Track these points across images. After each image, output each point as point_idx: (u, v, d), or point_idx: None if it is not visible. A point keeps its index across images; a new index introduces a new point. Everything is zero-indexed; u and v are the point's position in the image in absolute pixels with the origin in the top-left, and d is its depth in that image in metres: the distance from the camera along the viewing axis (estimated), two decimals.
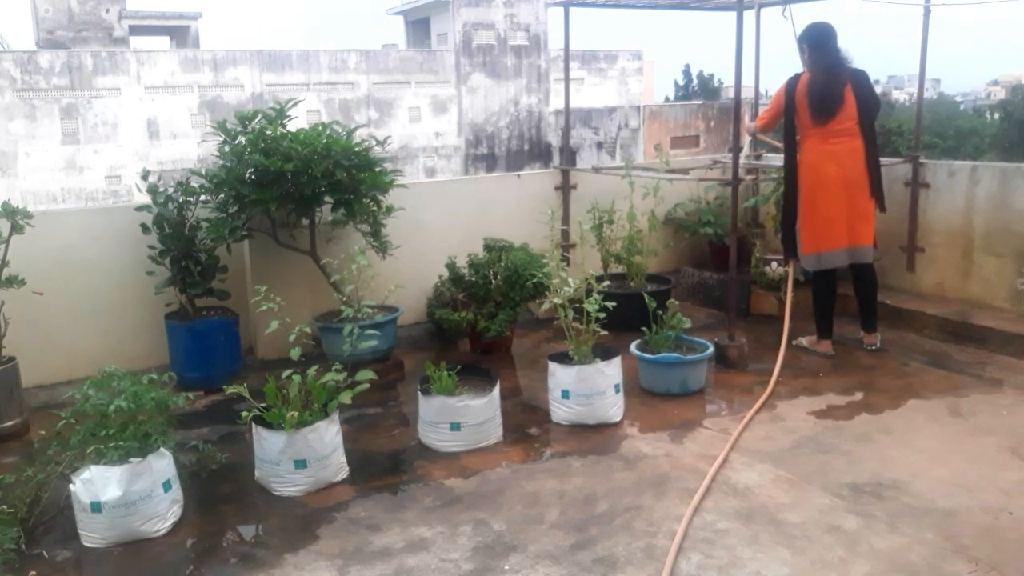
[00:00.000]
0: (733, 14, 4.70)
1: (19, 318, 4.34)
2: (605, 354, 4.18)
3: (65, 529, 3.24)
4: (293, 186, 4.52)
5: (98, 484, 3.11)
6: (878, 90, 5.51)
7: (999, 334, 5.06)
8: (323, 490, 3.52)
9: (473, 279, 5.25)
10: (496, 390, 3.98)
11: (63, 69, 21.77)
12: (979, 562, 2.86)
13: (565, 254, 5.61)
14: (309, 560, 3.02)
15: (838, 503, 3.28)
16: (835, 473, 3.54)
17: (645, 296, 4.69)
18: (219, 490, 3.60)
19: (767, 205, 6.36)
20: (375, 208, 4.88)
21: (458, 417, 3.84)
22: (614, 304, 4.25)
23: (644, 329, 4.64)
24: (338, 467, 3.62)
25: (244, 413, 3.56)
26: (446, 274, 5.44)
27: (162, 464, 3.26)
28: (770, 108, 5.30)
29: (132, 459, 3.17)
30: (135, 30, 27.54)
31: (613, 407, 4.14)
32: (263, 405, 3.56)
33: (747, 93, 6.76)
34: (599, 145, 27.81)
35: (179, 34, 29.70)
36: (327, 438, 3.54)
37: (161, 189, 4.69)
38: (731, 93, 5.54)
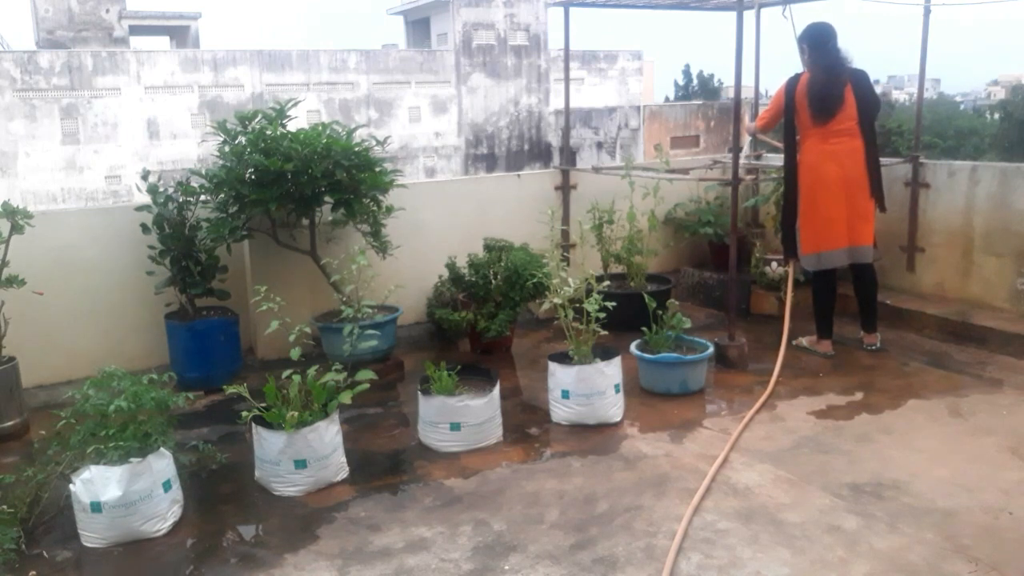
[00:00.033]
0: (733, 14, 4.70)
1: (19, 318, 4.34)
2: (605, 354, 4.18)
3: (65, 529, 3.24)
4: (293, 186, 4.52)
5: (98, 484, 3.11)
6: (878, 90, 5.51)
7: (999, 334, 5.06)
8: (323, 490, 3.52)
9: (473, 279, 5.25)
10: (496, 390, 3.99)
11: (63, 69, 21.77)
12: (979, 562, 2.86)
13: (565, 254, 5.61)
14: (309, 560, 3.02)
15: (838, 503, 3.28)
16: (835, 473, 3.54)
17: (645, 296, 4.69)
18: (219, 490, 3.60)
19: (767, 205, 6.36)
20: (375, 208, 4.88)
21: (458, 417, 3.84)
22: (614, 304, 4.25)
23: (644, 329, 4.64)
24: (338, 467, 3.62)
25: (244, 413, 3.56)
26: (446, 274, 5.44)
27: (162, 464, 3.26)
28: (770, 108, 5.30)
29: (132, 459, 3.17)
30: (135, 30, 27.54)
31: (613, 407, 4.14)
32: (263, 405, 3.56)
33: (747, 93, 6.76)
34: (599, 145, 27.82)
35: (179, 34, 29.70)
36: (327, 438, 3.54)
37: (161, 189, 4.69)
38: (731, 93, 5.54)
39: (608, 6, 6.49)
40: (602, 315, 4.14)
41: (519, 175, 6.47)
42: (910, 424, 4.05)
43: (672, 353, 4.51)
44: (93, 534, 3.14)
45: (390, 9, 34.45)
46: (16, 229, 4.16)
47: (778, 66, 5.93)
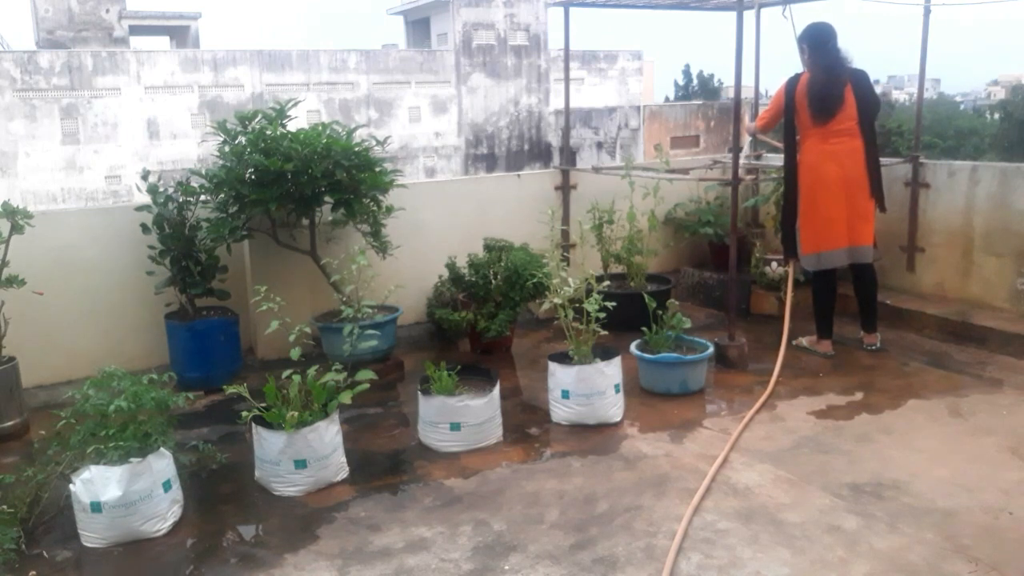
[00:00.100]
0: (733, 14, 4.70)
1: (19, 318, 4.34)
2: (605, 354, 4.18)
3: (65, 529, 3.24)
4: (293, 186, 4.52)
5: (98, 484, 3.11)
6: (878, 90, 5.51)
7: (999, 334, 5.06)
8: (323, 490, 3.52)
9: (473, 279, 5.25)
10: (496, 390, 3.99)
11: (63, 69, 21.77)
12: (979, 562, 2.86)
13: (565, 254, 5.61)
14: (309, 560, 3.02)
15: (838, 503, 3.28)
16: (835, 473, 3.54)
17: (645, 296, 4.69)
18: (219, 490, 3.60)
19: (767, 205, 6.36)
20: (375, 208, 4.88)
21: (458, 417, 3.84)
22: (614, 304, 4.25)
23: (644, 329, 4.64)
24: (338, 467, 3.62)
25: (244, 413, 3.56)
26: (446, 274, 5.44)
27: (162, 464, 3.26)
28: (770, 108, 5.30)
29: (132, 459, 3.17)
30: (135, 30, 27.54)
31: (613, 407, 4.14)
32: (263, 405, 3.56)
33: (747, 93, 6.76)
34: (599, 145, 27.82)
35: (179, 34, 29.70)
36: (327, 438, 3.54)
37: (161, 189, 4.69)
38: (731, 93, 5.54)
39: (608, 6, 6.49)
40: (602, 315, 4.14)
41: (519, 175, 6.47)
42: (910, 424, 4.05)
43: (672, 353, 4.51)
44: (93, 534, 3.14)
45: (390, 9, 34.46)
46: (16, 229, 4.16)
47: (778, 66, 5.93)
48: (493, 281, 5.16)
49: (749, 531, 3.10)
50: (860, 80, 4.90)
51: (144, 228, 4.69)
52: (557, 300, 4.23)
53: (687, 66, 56.39)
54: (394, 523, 3.25)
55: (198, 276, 4.69)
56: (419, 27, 33.46)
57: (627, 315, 4.82)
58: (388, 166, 4.89)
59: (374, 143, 4.80)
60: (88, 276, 4.79)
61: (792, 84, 4.97)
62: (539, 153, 27.33)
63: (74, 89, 21.96)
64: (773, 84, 12.05)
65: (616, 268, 5.88)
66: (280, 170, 4.41)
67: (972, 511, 3.20)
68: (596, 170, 6.39)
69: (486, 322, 5.08)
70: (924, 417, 4.13)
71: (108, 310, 4.85)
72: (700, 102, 34.55)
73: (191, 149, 22.84)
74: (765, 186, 6.46)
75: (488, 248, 5.32)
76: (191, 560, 3.07)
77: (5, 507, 3.14)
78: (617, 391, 4.16)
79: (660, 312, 4.63)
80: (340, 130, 4.81)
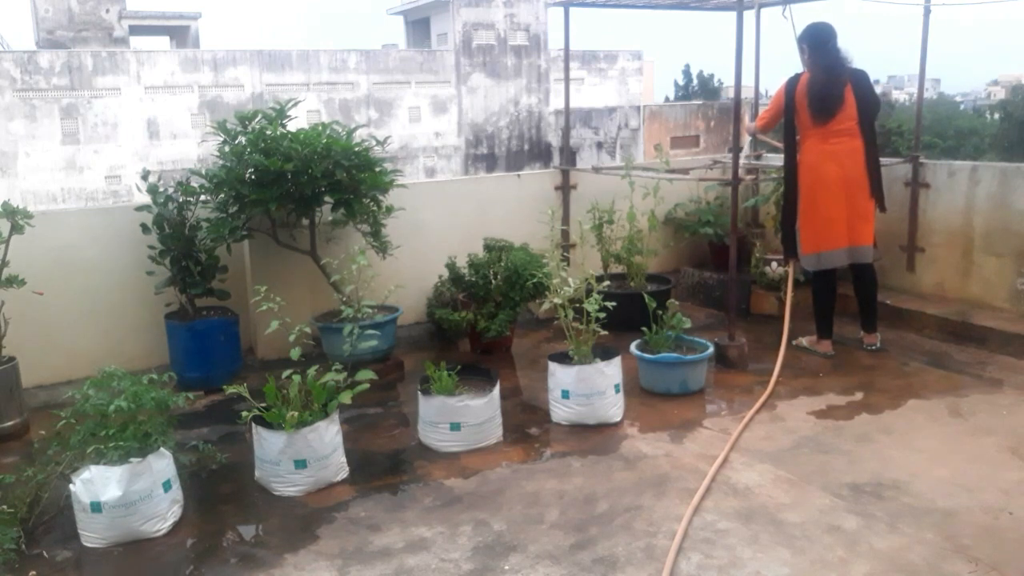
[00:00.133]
0: (733, 14, 4.70)
1: (19, 318, 4.34)
2: (605, 354, 4.18)
3: (65, 529, 3.24)
4: (293, 186, 4.52)
5: (98, 484, 3.11)
6: (878, 90, 5.51)
7: (999, 334, 5.06)
8: (323, 490, 3.52)
9: (473, 279, 5.25)
10: (496, 390, 3.98)
11: (63, 69, 21.77)
12: (979, 562, 2.86)
13: (565, 254, 5.61)
14: (309, 560, 3.02)
15: (838, 503, 3.28)
16: (835, 473, 3.54)
17: (645, 296, 4.69)
18: (219, 490, 3.60)
19: (767, 205, 6.36)
20: (375, 208, 4.88)
21: (458, 417, 3.84)
22: (614, 304, 4.25)
23: (644, 329, 4.64)
24: (338, 467, 3.62)
25: (244, 413, 3.56)
26: (446, 274, 5.44)
27: (162, 464, 3.26)
28: (770, 108, 5.30)
29: (132, 459, 3.17)
30: (135, 30, 27.54)
31: (613, 407, 4.14)
32: (263, 405, 3.56)
33: (747, 93, 6.76)
34: (599, 145, 27.82)
35: (179, 34, 29.70)
36: (327, 438, 3.54)
37: (161, 189, 4.69)
38: (731, 93, 5.54)
39: (608, 6, 6.49)
40: (602, 315, 4.14)
41: (519, 175, 6.47)
42: (910, 424, 4.05)
43: (672, 353, 4.51)
44: (93, 534, 3.14)
45: (390, 9, 34.46)
46: (16, 229, 4.16)
47: (778, 66, 5.94)
48: (493, 281, 5.16)
49: (749, 531, 3.10)
50: (860, 80, 4.90)
51: (144, 228, 4.69)
52: (557, 300, 4.23)
53: (687, 66, 56.44)
54: (394, 523, 3.25)
55: (198, 276, 4.69)
56: (419, 27, 33.45)
57: (627, 315, 4.82)
58: (388, 166, 4.89)
59: (374, 143, 4.80)
60: (88, 276, 4.79)
61: (792, 84, 4.97)
62: (539, 153, 27.34)
63: (74, 89, 21.96)
64: (773, 84, 12.06)
65: (616, 268, 5.88)
66: (280, 170, 4.41)
67: (972, 511, 3.20)
68: (596, 170, 6.39)
69: (486, 322, 5.08)
70: (924, 417, 4.13)
71: (108, 310, 4.85)
72: (700, 102, 34.55)
73: (191, 149, 22.84)
74: (765, 186, 6.46)
75: (488, 248, 5.32)
76: (191, 560, 3.07)
77: (5, 507, 3.14)
78: (617, 391, 4.16)
79: (660, 312, 4.62)
80: (340, 130, 4.81)
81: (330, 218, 4.92)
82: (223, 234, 4.54)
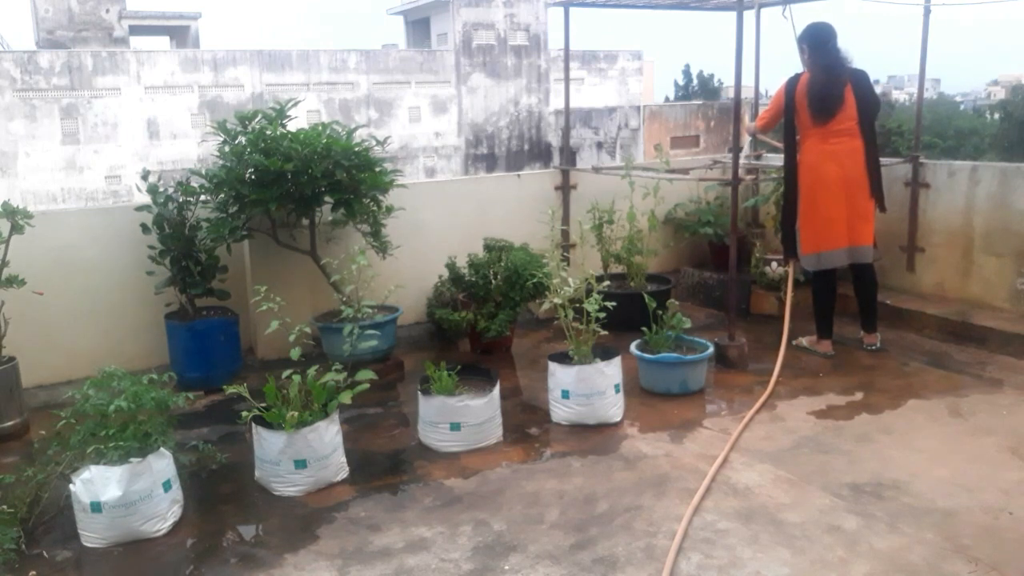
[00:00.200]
0: (733, 14, 4.70)
1: (19, 318, 4.34)
2: (605, 354, 4.18)
3: (65, 529, 3.24)
4: (293, 186, 4.52)
5: (98, 484, 3.11)
6: (878, 90, 5.51)
7: (999, 334, 5.06)
8: (323, 490, 3.52)
9: (473, 279, 5.25)
10: (496, 390, 3.98)
11: (63, 69, 21.77)
12: (979, 562, 2.86)
13: (565, 254, 5.61)
14: (309, 560, 3.02)
15: (838, 503, 3.28)
16: (835, 473, 3.54)
17: (645, 296, 4.69)
18: (219, 490, 3.60)
19: (767, 205, 6.36)
20: (375, 208, 4.88)
21: (458, 417, 3.84)
22: (614, 304, 4.25)
23: (644, 329, 4.64)
24: (338, 467, 3.62)
25: (244, 413, 3.56)
26: (446, 274, 5.44)
27: (162, 464, 3.26)
28: (770, 108, 5.30)
29: (132, 459, 3.17)
30: (135, 30, 27.54)
31: (613, 407, 4.14)
32: (263, 405, 3.56)
33: (747, 93, 6.76)
34: (599, 145, 27.82)
35: (179, 34, 29.70)
36: (327, 438, 3.54)
37: (161, 189, 4.69)
38: (731, 93, 5.54)
39: (608, 6, 6.49)
40: (602, 315, 4.14)
41: (519, 175, 6.47)
42: (910, 424, 4.05)
43: (672, 353, 4.51)
44: (93, 534, 3.14)
45: (390, 9, 34.46)
46: (16, 229, 4.16)
47: (778, 66, 5.94)
48: (493, 281, 5.16)
49: (749, 531, 3.10)
50: (860, 80, 4.90)
51: (144, 228, 4.69)
52: (557, 300, 4.23)
53: (687, 66, 56.44)
54: (394, 523, 3.25)
55: (198, 276, 4.69)
56: (419, 27, 33.45)
57: (627, 315, 4.82)
58: (388, 166, 4.89)
59: (374, 143, 4.80)
60: (88, 276, 4.79)
61: (792, 84, 4.97)
62: (539, 153, 27.34)
63: (74, 89, 21.96)
64: (773, 84, 12.06)
65: (616, 268, 5.88)
66: (280, 170, 4.41)
67: (972, 511, 3.20)
68: (596, 170, 6.39)
69: (486, 322, 5.08)
70: (924, 417, 4.13)
71: (108, 310, 4.85)
72: (700, 102, 34.55)
73: (191, 149, 22.84)
74: (765, 186, 6.46)
75: (488, 248, 5.32)
76: (191, 560, 3.07)
77: (5, 507, 3.14)
78: (617, 391, 4.16)
79: (660, 312, 4.62)
80: (340, 130, 4.81)
81: (330, 218, 4.92)
82: (223, 234, 4.54)
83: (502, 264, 5.14)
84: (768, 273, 5.83)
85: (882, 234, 5.34)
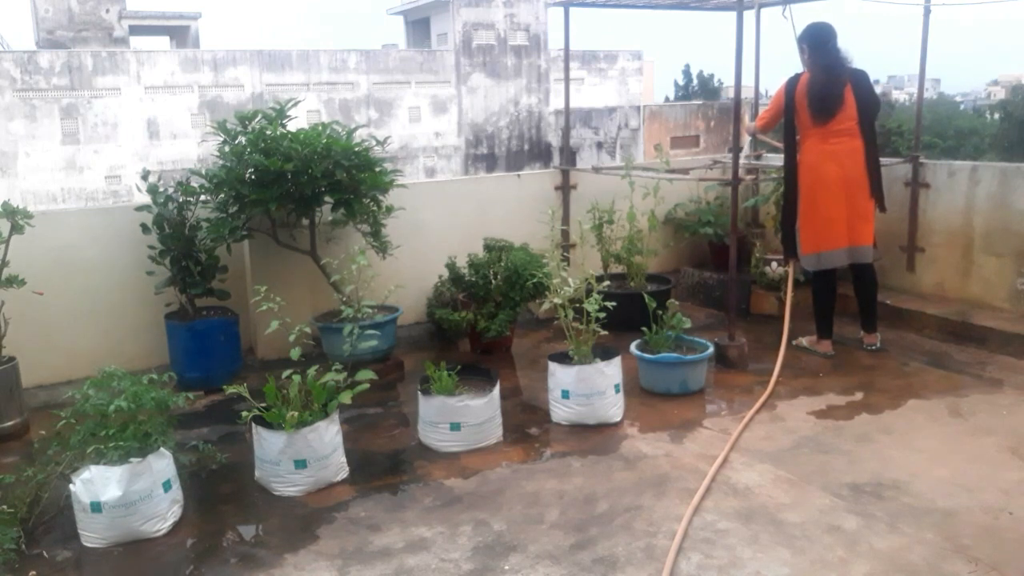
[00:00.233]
0: (733, 14, 4.70)
1: (19, 318, 4.34)
2: (605, 354, 4.18)
3: (65, 529, 3.24)
4: (293, 186, 4.52)
5: (98, 484, 3.11)
6: (878, 90, 5.51)
7: (999, 334, 5.06)
8: (323, 490, 3.52)
9: (473, 279, 5.25)
10: (496, 390, 3.98)
11: (63, 69, 21.77)
12: (979, 562, 2.86)
13: (565, 254, 5.61)
14: (309, 560, 3.02)
15: (838, 503, 3.28)
16: (835, 473, 3.54)
17: (645, 296, 4.69)
18: (219, 490, 3.60)
19: (767, 205, 6.36)
20: (375, 208, 4.88)
21: (458, 417, 3.84)
22: (614, 304, 4.25)
23: (644, 329, 4.64)
24: (338, 467, 3.62)
25: (244, 413, 3.56)
26: (446, 274, 5.44)
27: (162, 464, 3.26)
28: (770, 108, 5.30)
29: (132, 459, 3.17)
30: (135, 30, 27.54)
31: (613, 407, 4.14)
32: (263, 405, 3.56)
33: (747, 93, 6.76)
34: (599, 145, 27.82)
35: (179, 34, 29.70)
36: (327, 438, 3.54)
37: (161, 189, 4.69)
38: (731, 93, 5.54)
39: (608, 6, 6.49)
40: (602, 315, 4.14)
41: (519, 175, 6.47)
42: (910, 424, 4.05)
43: (672, 353, 4.51)
44: (93, 534, 3.14)
45: (390, 9, 34.46)
46: (16, 229, 4.16)
47: (778, 66, 5.94)
48: (493, 281, 5.16)
49: (749, 531, 3.10)
50: (860, 80, 4.90)
51: (144, 228, 4.69)
52: (557, 300, 4.23)
53: (687, 66, 56.44)
54: (394, 523, 3.25)
55: (198, 276, 4.69)
56: (419, 27, 33.45)
57: (627, 315, 4.82)
58: (388, 166, 4.89)
59: (374, 143, 4.80)
60: (88, 276, 4.79)
61: (792, 84, 4.97)
62: (539, 153, 27.34)
63: (74, 89, 21.96)
64: (773, 84, 12.06)
65: (616, 268, 5.88)
66: (280, 170, 4.41)
67: (972, 511, 3.20)
68: (596, 170, 6.39)
69: (486, 322, 5.08)
70: (924, 417, 4.13)
71: (108, 310, 4.85)
72: (700, 102, 34.55)
73: (191, 149, 22.84)
74: (765, 186, 6.46)
75: (488, 248, 5.32)
76: (191, 560, 3.07)
77: (5, 507, 3.14)
78: (617, 391, 4.16)
79: (660, 312, 4.62)
80: (340, 130, 4.81)
81: (330, 218, 4.92)
82: (223, 234, 4.54)
83: (502, 264, 5.14)
84: (768, 273, 5.83)
85: (882, 234, 5.35)
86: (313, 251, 4.92)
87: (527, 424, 4.20)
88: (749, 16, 6.24)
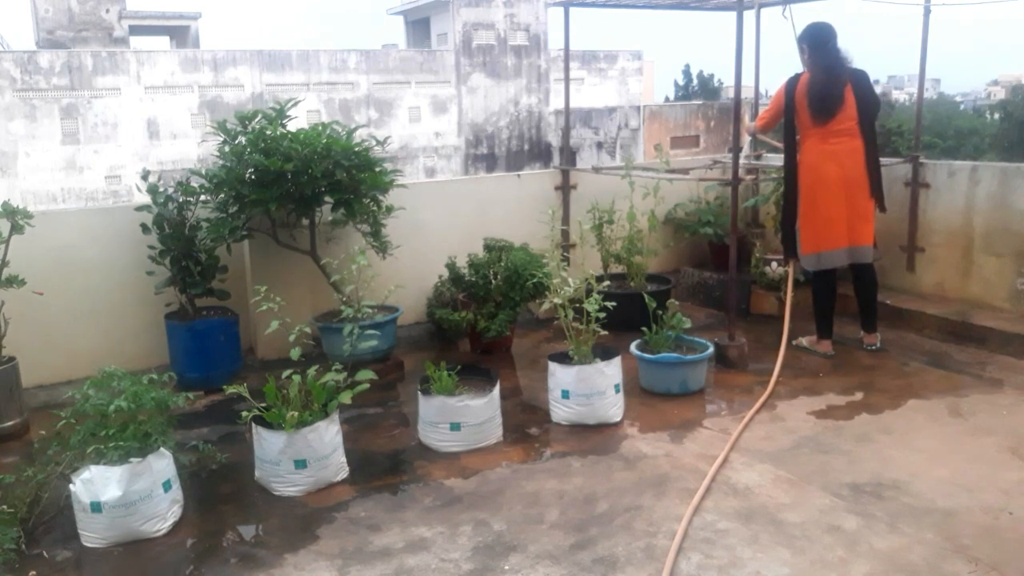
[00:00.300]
0: (733, 14, 4.70)
1: (19, 318, 4.34)
2: (605, 354, 4.18)
3: (65, 529, 3.24)
4: (293, 186, 4.52)
5: (98, 484, 3.11)
6: (878, 90, 5.51)
7: (999, 334, 5.06)
8: (323, 490, 3.52)
9: (473, 279, 5.25)
10: (496, 390, 3.98)
11: (63, 69, 21.77)
12: (979, 562, 2.86)
13: (565, 254, 5.61)
14: (309, 560, 3.02)
15: (838, 503, 3.28)
16: (835, 473, 3.54)
17: (645, 296, 4.69)
18: (219, 490, 3.60)
19: (767, 205, 6.36)
20: (375, 208, 4.88)
21: (458, 417, 3.84)
22: (614, 304, 4.25)
23: (644, 329, 4.64)
24: (338, 467, 3.62)
25: (244, 413, 3.56)
26: (446, 274, 5.44)
27: (162, 464, 3.26)
28: (770, 108, 5.30)
29: (132, 459, 3.17)
30: (135, 30, 27.54)
31: (613, 407, 4.14)
32: (263, 405, 3.56)
33: (747, 93, 6.76)
34: (599, 145, 27.82)
35: (179, 34, 29.70)
36: (327, 438, 3.54)
37: (161, 189, 4.69)
38: (731, 93, 5.54)
39: (608, 6, 6.49)
40: (602, 315, 4.14)
41: (519, 175, 6.47)
42: (910, 424, 4.05)
43: (672, 353, 4.51)
44: (93, 534, 3.14)
45: (390, 9, 34.46)
46: (16, 229, 4.16)
47: (778, 66, 5.94)
48: (493, 281, 5.16)
49: (749, 531, 3.10)
50: (860, 80, 4.90)
51: (144, 228, 4.69)
52: (557, 300, 4.23)
53: (687, 66, 56.44)
54: (394, 523, 3.25)
55: (198, 276, 4.69)
56: (419, 27, 33.45)
57: (627, 315, 4.82)
58: (388, 166, 4.89)
59: (374, 143, 4.80)
60: (88, 276, 4.79)
61: (792, 84, 4.97)
62: (539, 153, 27.34)
63: (74, 89, 21.96)
64: (773, 84, 12.06)
65: (616, 268, 5.88)
66: (280, 170, 4.41)
67: (972, 511, 3.20)
68: (596, 170, 6.39)
69: (486, 322, 5.08)
70: (924, 417, 4.13)
71: (108, 310, 4.85)
72: (700, 102, 34.55)
73: (191, 149, 22.84)
74: (765, 186, 6.46)
75: (488, 248, 5.32)
76: (191, 560, 3.07)
77: (5, 507, 3.14)
78: (617, 391, 4.16)
79: (660, 312, 4.62)
80: (340, 130, 4.81)
81: (330, 218, 4.92)
82: (223, 234, 4.54)
83: (502, 264, 5.14)
84: (768, 273, 5.83)
85: (882, 234, 5.34)
86: (313, 251, 4.92)
87: (527, 424, 4.20)
88: (749, 16, 6.24)
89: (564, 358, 4.24)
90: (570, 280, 4.27)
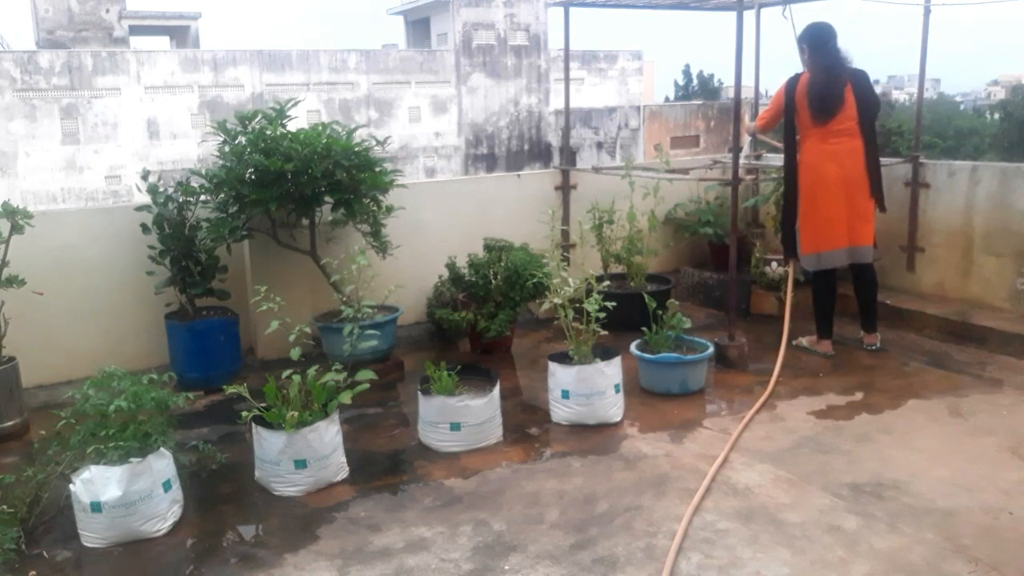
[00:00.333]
0: (733, 14, 4.70)
1: (19, 318, 4.34)
2: (605, 354, 4.18)
3: (65, 529, 3.24)
4: (293, 186, 4.52)
5: (98, 484, 3.11)
6: (878, 90, 5.51)
7: (999, 334, 5.06)
8: (323, 490, 3.52)
9: (473, 279, 5.25)
10: (496, 390, 3.98)
11: (63, 69, 21.77)
12: (979, 562, 2.86)
13: (565, 254, 5.61)
14: (309, 560, 3.02)
15: (838, 503, 3.28)
16: (835, 473, 3.54)
17: (645, 296, 4.69)
18: (219, 490, 3.60)
19: (767, 205, 6.36)
20: (375, 208, 4.88)
21: (458, 417, 3.84)
22: (614, 304, 4.25)
23: (644, 329, 4.64)
24: (338, 467, 3.62)
25: (244, 413, 3.56)
26: (446, 274, 5.44)
27: (162, 464, 3.26)
28: (770, 108, 5.30)
29: (132, 459, 3.17)
30: (135, 30, 27.54)
31: (613, 407, 4.14)
32: (263, 405, 3.56)
33: (747, 93, 6.76)
34: (599, 145, 27.82)
35: (179, 34, 29.71)
36: (327, 438, 3.54)
37: (161, 189, 4.69)
38: (731, 93, 5.54)
39: (608, 6, 6.49)
40: (602, 315, 4.14)
41: (519, 175, 6.46)
42: (910, 424, 4.05)
43: (672, 353, 4.51)
44: (93, 534, 3.14)
45: (390, 9, 34.45)
46: (16, 229, 4.16)
47: (778, 66, 5.94)
48: (493, 281, 5.16)
49: (749, 531, 3.10)
50: (860, 80, 4.90)
51: (144, 228, 4.69)
52: (557, 300, 4.23)
53: (687, 66, 56.44)
54: (394, 523, 3.25)
55: (198, 276, 4.69)
56: (419, 27, 33.45)
57: (627, 315, 4.82)
58: (388, 166, 4.89)
59: (374, 143, 4.80)
60: (88, 276, 4.79)
61: (792, 84, 4.97)
62: (539, 153, 27.34)
63: (74, 89, 21.96)
64: (773, 84, 12.06)
65: (616, 268, 5.88)
66: (280, 170, 4.41)
67: (972, 511, 3.20)
68: (596, 170, 6.39)
69: (486, 322, 5.08)
70: (924, 417, 4.13)
71: (108, 310, 4.85)
72: (700, 102, 34.55)
73: (191, 149, 22.84)
74: (765, 186, 6.46)
75: (488, 248, 5.32)
76: (191, 560, 3.07)
77: (5, 507, 3.14)
78: (617, 391, 4.16)
79: (660, 312, 4.62)
80: (340, 130, 4.81)
81: (330, 218, 4.92)
82: (223, 234, 4.54)
83: (502, 264, 5.14)
84: (768, 273, 5.83)
85: (882, 234, 5.35)
86: (313, 251, 4.92)
87: (527, 424, 4.20)
88: (749, 16, 6.24)
89: (564, 358, 4.24)
90: (570, 280, 4.27)
